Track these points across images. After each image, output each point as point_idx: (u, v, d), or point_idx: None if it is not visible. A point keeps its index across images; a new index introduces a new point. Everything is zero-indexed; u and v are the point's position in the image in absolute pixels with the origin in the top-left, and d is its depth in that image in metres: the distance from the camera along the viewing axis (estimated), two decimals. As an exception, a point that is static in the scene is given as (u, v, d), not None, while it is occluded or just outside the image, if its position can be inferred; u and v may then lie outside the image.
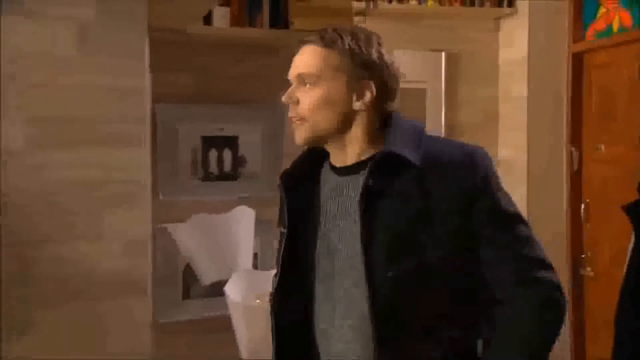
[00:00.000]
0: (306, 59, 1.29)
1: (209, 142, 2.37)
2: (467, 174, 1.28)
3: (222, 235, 2.30)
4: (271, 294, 1.39)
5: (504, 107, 2.97)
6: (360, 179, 1.28)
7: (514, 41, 2.90)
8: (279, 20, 2.25)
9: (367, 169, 1.27)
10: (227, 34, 2.16)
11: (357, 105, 1.29)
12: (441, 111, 3.11)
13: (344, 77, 1.28)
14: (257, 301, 2.06)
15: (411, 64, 3.41)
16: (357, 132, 1.31)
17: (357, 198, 1.28)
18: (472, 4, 2.90)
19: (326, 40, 1.29)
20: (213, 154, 2.37)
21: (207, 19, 2.20)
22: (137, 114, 1.58)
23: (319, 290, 1.33)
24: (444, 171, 1.28)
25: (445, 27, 2.96)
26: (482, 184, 1.28)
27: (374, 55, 1.30)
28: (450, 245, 1.26)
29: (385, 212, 1.26)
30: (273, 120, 2.43)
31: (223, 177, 2.38)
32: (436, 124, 3.20)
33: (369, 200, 1.27)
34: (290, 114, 1.29)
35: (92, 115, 1.47)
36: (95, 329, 1.29)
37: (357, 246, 1.26)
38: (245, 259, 2.29)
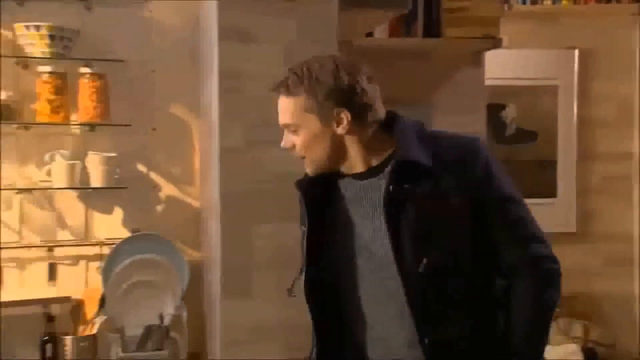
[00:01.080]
0: (282, 111, 1.43)
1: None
2: (469, 167, 1.40)
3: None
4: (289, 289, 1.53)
5: (641, 103, 3.04)
6: (379, 182, 1.41)
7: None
8: (432, 29, 2.49)
9: (386, 174, 1.40)
10: (386, 44, 2.44)
11: (339, 130, 1.40)
12: (573, 107, 3.23)
13: (315, 115, 1.40)
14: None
15: (545, 62, 3.55)
16: (353, 150, 1.43)
17: (382, 201, 1.40)
18: (609, 0, 2.98)
19: (290, 89, 1.41)
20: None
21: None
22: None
23: (362, 286, 1.46)
24: (451, 168, 1.40)
25: (580, 25, 3.04)
26: (483, 173, 1.40)
27: (339, 83, 1.38)
28: (467, 234, 1.39)
29: (408, 214, 1.39)
30: (424, 118, 2.67)
31: (378, 169, 2.67)
32: (568, 120, 3.32)
33: (392, 205, 1.40)
34: (295, 154, 1.45)
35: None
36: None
37: (389, 246, 1.39)
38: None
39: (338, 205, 1.48)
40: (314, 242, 1.48)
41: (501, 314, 1.45)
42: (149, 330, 2.14)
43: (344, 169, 1.47)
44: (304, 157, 1.46)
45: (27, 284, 2.41)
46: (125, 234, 2.46)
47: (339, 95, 1.39)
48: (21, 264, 2.41)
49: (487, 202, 1.41)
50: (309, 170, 1.48)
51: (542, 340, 1.46)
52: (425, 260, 1.38)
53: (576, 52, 3.17)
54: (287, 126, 1.45)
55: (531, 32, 3.30)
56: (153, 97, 2.50)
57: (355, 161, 1.45)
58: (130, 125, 2.40)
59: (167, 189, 2.55)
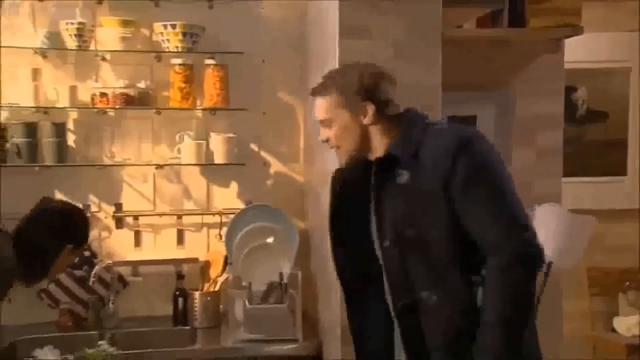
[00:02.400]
0: (318, 110, 1.74)
1: (453, 121, 2.92)
2: (447, 157, 1.59)
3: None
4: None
5: None
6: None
7: None
8: (517, 19, 2.72)
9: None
10: (476, 34, 2.69)
11: (365, 121, 1.69)
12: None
13: (346, 110, 1.69)
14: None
15: (617, 45, 3.71)
16: (377, 140, 1.71)
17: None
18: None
19: (323, 92, 1.73)
20: (455, 130, 2.93)
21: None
22: (433, 103, 2.20)
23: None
24: (431, 158, 1.61)
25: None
26: (457, 163, 1.57)
27: (363, 80, 1.68)
28: (442, 217, 1.59)
29: (389, 199, 1.67)
30: (505, 102, 2.92)
31: (463, 149, 2.94)
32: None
33: (377, 191, 1.69)
34: (330, 146, 1.76)
35: (403, 105, 2.06)
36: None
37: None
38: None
39: (369, 190, 1.76)
40: (352, 223, 1.78)
41: (479, 293, 1.62)
42: (270, 286, 2.48)
43: (371, 157, 1.74)
44: (338, 148, 1.75)
45: (160, 247, 2.80)
46: (240, 205, 2.81)
47: (364, 90, 1.69)
48: (155, 229, 2.80)
49: (463, 189, 1.58)
50: (342, 158, 1.78)
51: (504, 325, 1.56)
52: (387, 242, 1.67)
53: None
54: (322, 122, 1.76)
55: (604, 15, 3.44)
56: (263, 84, 2.83)
57: (378, 150, 1.72)
58: (246, 109, 2.74)
59: (276, 166, 2.89)
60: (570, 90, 3.64)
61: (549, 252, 2.54)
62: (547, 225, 2.53)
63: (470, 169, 1.59)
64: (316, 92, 1.76)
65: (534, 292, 1.63)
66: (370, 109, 1.69)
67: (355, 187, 1.78)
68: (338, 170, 1.86)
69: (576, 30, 2.70)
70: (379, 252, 1.75)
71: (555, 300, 2.80)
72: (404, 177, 1.66)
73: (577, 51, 3.46)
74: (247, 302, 2.46)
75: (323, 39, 2.37)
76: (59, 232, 1.88)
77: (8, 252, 1.76)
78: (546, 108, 2.88)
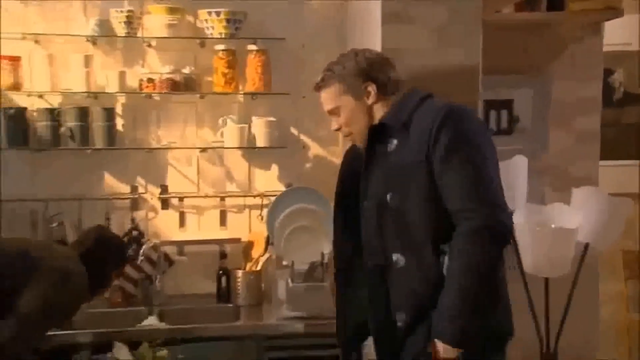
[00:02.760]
0: (324, 101, 1.87)
1: (490, 104, 2.95)
2: (433, 127, 1.67)
3: (504, 177, 2.89)
4: None
5: None
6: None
7: None
8: (556, 3, 2.73)
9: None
10: (516, 19, 2.70)
11: (369, 101, 1.80)
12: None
13: (349, 95, 1.81)
14: (537, 228, 2.63)
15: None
16: (380, 116, 1.79)
17: None
18: None
19: (324, 84, 1.84)
20: (492, 114, 2.96)
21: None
22: (473, 87, 2.24)
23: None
24: (418, 129, 1.72)
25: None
26: (440, 133, 1.65)
27: (360, 63, 1.78)
28: (422, 184, 1.68)
29: (376, 167, 1.77)
30: (541, 85, 2.94)
31: (500, 132, 2.97)
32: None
33: (368, 159, 1.79)
34: (343, 134, 1.87)
35: (444, 89, 2.10)
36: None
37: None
38: (521, 197, 2.86)
39: None
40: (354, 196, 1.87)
41: (444, 260, 1.70)
42: (312, 266, 2.56)
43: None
44: (351, 133, 1.85)
45: (204, 228, 2.90)
46: (280, 187, 2.89)
47: (363, 72, 1.80)
48: (199, 210, 2.90)
49: (438, 158, 1.66)
50: (357, 142, 1.87)
51: (462, 293, 1.63)
52: (375, 201, 1.77)
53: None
54: (331, 112, 1.87)
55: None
56: (303, 69, 2.89)
57: None
58: (288, 94, 2.81)
59: (315, 149, 2.96)
60: (607, 73, 3.62)
61: (585, 234, 2.59)
62: (584, 208, 2.56)
63: (451, 139, 1.66)
64: (319, 86, 1.89)
65: (497, 266, 1.69)
66: (372, 88, 1.80)
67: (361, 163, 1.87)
68: (351, 147, 1.97)
69: (616, 12, 2.69)
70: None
71: (592, 283, 2.84)
72: (392, 145, 1.76)
73: (614, 33, 3.43)
74: (289, 280, 2.55)
75: (365, 26, 2.42)
76: (115, 260, 2.21)
77: (84, 274, 2.02)
78: (584, 91, 2.90)
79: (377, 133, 1.80)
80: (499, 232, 1.66)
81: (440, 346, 1.67)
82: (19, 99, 2.68)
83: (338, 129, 1.89)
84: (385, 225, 1.78)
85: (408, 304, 1.76)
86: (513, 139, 2.95)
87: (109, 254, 2.14)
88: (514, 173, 2.80)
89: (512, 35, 2.76)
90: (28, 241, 2.11)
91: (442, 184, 1.68)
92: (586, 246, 2.54)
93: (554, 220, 2.57)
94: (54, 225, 2.69)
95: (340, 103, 1.84)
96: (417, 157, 1.71)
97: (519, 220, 2.64)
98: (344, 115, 1.84)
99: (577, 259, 2.60)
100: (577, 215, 2.56)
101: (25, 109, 2.65)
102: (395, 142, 1.77)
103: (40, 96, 2.69)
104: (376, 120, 1.82)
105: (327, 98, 1.86)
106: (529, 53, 2.82)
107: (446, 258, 1.70)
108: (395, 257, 1.77)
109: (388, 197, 1.76)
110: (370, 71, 1.81)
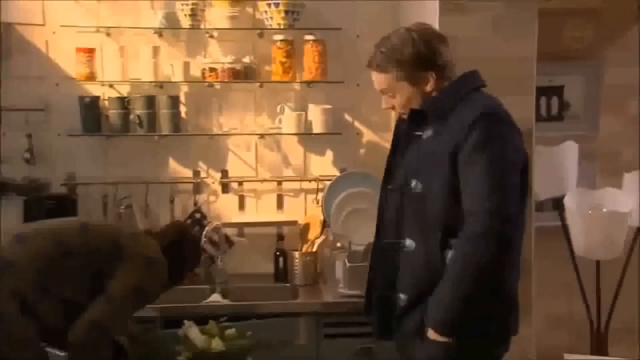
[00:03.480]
0: (377, 82, 1.86)
1: (541, 91, 3.00)
2: (466, 124, 1.70)
3: (555, 162, 2.95)
4: None
5: None
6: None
7: None
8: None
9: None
10: (566, 5, 2.75)
11: (428, 89, 1.79)
12: None
13: (407, 82, 1.79)
14: (590, 212, 2.70)
15: None
16: None
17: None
18: None
19: (380, 67, 1.82)
20: (543, 100, 3.02)
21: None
22: (528, 75, 2.31)
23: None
24: (454, 123, 1.73)
25: None
26: (471, 131, 1.68)
27: (420, 52, 1.75)
28: (445, 175, 1.71)
29: (409, 151, 1.81)
30: (593, 71, 2.98)
31: (551, 118, 3.03)
32: None
33: (406, 142, 1.83)
34: (395, 112, 1.89)
35: (500, 77, 2.17)
36: None
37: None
38: (571, 181, 2.93)
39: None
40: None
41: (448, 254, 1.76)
42: (368, 247, 2.66)
43: None
44: (403, 114, 1.87)
45: (262, 211, 3.04)
46: (335, 172, 3.01)
47: (422, 61, 1.78)
48: (257, 194, 3.04)
49: (463, 155, 1.71)
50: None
51: (454, 290, 1.70)
52: (400, 184, 1.82)
53: None
54: (384, 91, 1.88)
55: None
56: (358, 58, 2.98)
57: None
58: (343, 82, 2.91)
59: (368, 135, 3.06)
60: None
61: (637, 217, 2.65)
62: (635, 192, 2.62)
63: (480, 140, 1.69)
64: (373, 66, 1.87)
65: (498, 270, 1.72)
66: (432, 77, 1.80)
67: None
68: (399, 120, 1.99)
69: (670, -1, 2.72)
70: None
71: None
72: (428, 132, 1.79)
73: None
74: (346, 260, 2.66)
75: (421, 17, 2.50)
76: (192, 259, 2.33)
77: (165, 263, 2.14)
78: (636, 77, 2.93)
79: (417, 117, 1.83)
80: (499, 242, 1.69)
81: (431, 331, 1.78)
82: (93, 89, 2.85)
83: (390, 108, 1.91)
84: (404, 209, 1.83)
85: (410, 287, 1.84)
86: (563, 124, 3.02)
87: (188, 253, 2.25)
88: (564, 158, 2.88)
89: (564, 22, 2.81)
90: (119, 229, 2.21)
91: (462, 181, 1.73)
92: (638, 229, 2.60)
93: (605, 204, 2.64)
94: (123, 207, 2.86)
95: (396, 88, 1.84)
96: (448, 149, 1.74)
97: (570, 204, 2.72)
98: (399, 99, 1.85)
99: (629, 242, 2.66)
100: (629, 199, 2.63)
101: (98, 97, 2.82)
102: (431, 130, 1.80)
103: (111, 85, 2.85)
104: None
105: (382, 80, 1.86)
106: (580, 40, 2.87)
107: (450, 252, 1.77)
108: (407, 241, 1.83)
109: (413, 182, 1.80)
110: (432, 58, 1.79)
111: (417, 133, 1.83)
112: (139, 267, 2.02)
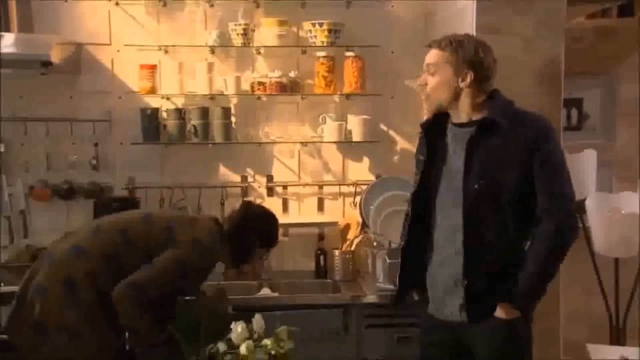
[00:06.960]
0: (430, 56, 2.06)
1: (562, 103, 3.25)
2: (539, 136, 1.99)
3: (575, 169, 3.17)
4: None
5: None
6: (469, 132, 2.03)
7: None
8: (625, 10, 3.01)
9: (475, 126, 2.02)
10: (587, 25, 3.01)
11: (461, 84, 2.02)
12: None
13: (451, 68, 2.01)
14: (609, 214, 2.93)
15: None
16: (465, 102, 2.04)
17: (465, 144, 2.02)
18: None
19: (442, 45, 2.03)
20: (563, 111, 3.25)
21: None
22: (556, 89, 2.56)
23: (439, 196, 2.10)
24: (519, 132, 1.99)
25: None
26: (540, 142, 1.98)
27: (476, 53, 2.00)
28: (518, 179, 1.98)
29: (480, 154, 2.01)
30: (609, 86, 3.23)
31: (571, 128, 3.27)
32: None
33: (471, 147, 2.02)
34: (421, 94, 2.08)
35: (531, 91, 2.43)
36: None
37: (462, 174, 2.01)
38: (591, 186, 3.15)
39: (443, 144, 2.13)
40: (425, 167, 2.14)
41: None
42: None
43: (453, 116, 2.10)
44: (428, 96, 2.08)
45: (304, 212, 3.29)
46: (371, 177, 3.26)
47: (473, 61, 2.02)
48: (299, 197, 3.29)
49: (538, 163, 2.00)
50: (427, 107, 2.13)
51: (541, 276, 2.03)
52: (476, 186, 2.02)
53: None
54: (428, 65, 2.09)
55: None
56: (392, 72, 3.25)
57: (462, 112, 2.07)
58: (381, 94, 3.17)
59: (401, 144, 3.31)
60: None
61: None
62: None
63: (551, 150, 2.03)
64: (435, 42, 2.09)
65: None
66: (470, 76, 2.03)
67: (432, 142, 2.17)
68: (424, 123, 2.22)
69: (681, 19, 2.97)
70: (455, 195, 2.07)
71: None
72: (496, 139, 2.02)
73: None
74: (386, 257, 2.91)
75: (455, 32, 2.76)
76: (257, 233, 2.51)
77: (215, 247, 2.37)
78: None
79: (485, 126, 2.06)
80: (572, 233, 2.07)
81: (507, 309, 2.05)
82: (152, 101, 3.12)
83: (422, 85, 2.11)
84: (484, 205, 2.06)
85: (482, 275, 2.07)
86: (583, 134, 3.25)
87: (253, 227, 2.46)
88: (584, 165, 3.11)
89: (584, 40, 3.05)
90: (177, 217, 2.44)
91: (537, 182, 2.02)
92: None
93: (623, 207, 2.87)
94: (178, 209, 3.11)
95: (440, 67, 2.05)
96: (521, 154, 2.01)
97: (590, 206, 2.95)
98: (435, 78, 2.06)
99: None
100: (642, 207, 2.86)
101: (158, 109, 3.09)
102: (498, 137, 2.03)
103: (168, 98, 3.12)
104: (460, 105, 2.05)
105: (434, 55, 2.07)
106: (599, 56, 3.11)
107: (527, 243, 2.06)
108: (489, 233, 2.06)
109: (490, 183, 2.04)
110: (479, 65, 2.04)
111: (481, 139, 2.06)
112: (185, 246, 2.28)
